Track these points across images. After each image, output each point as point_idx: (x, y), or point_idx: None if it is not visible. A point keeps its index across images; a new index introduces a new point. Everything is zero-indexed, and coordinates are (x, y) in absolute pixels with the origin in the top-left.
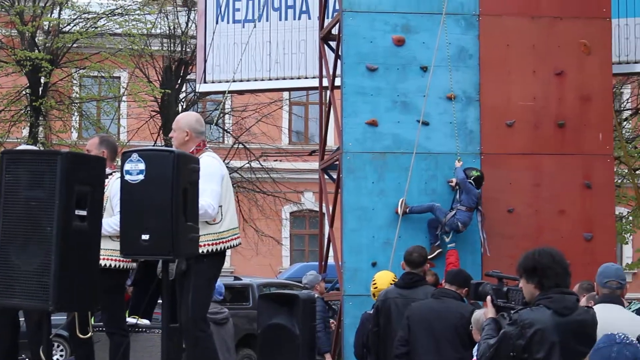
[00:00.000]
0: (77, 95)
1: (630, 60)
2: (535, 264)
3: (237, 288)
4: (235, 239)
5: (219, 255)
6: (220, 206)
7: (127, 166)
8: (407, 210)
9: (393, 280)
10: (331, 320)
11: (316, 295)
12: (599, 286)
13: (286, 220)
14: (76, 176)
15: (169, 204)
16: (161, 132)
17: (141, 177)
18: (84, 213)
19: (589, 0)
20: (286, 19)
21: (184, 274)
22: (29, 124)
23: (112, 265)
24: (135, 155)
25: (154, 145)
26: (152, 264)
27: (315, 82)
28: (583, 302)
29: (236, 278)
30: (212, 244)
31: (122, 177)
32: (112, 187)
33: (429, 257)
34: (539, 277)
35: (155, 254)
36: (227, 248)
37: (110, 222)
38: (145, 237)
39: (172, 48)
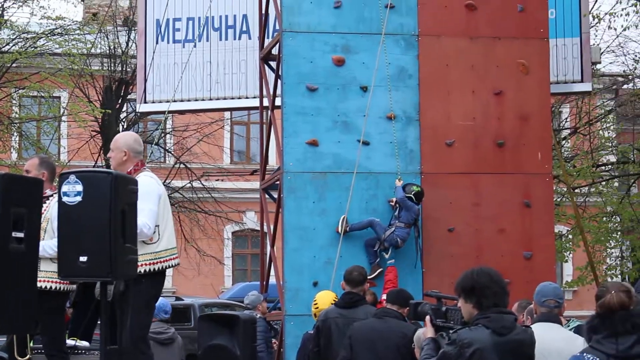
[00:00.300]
0: (17, 115)
1: (568, 80)
2: (473, 284)
3: (178, 308)
4: (173, 258)
5: (158, 275)
6: (157, 226)
7: (64, 188)
8: (348, 228)
9: (334, 300)
10: (273, 340)
11: (258, 315)
12: (537, 305)
13: (228, 239)
14: (13, 198)
15: (107, 226)
16: (102, 152)
17: (79, 198)
18: (21, 235)
19: (527, 21)
20: (226, 38)
21: (122, 295)
22: None
23: (52, 288)
24: (72, 177)
25: (94, 166)
26: (91, 286)
27: (256, 102)
28: (522, 317)
29: (178, 298)
30: (150, 264)
31: (59, 198)
32: (53, 209)
33: (369, 276)
34: (477, 297)
35: (93, 276)
36: (166, 268)
37: (51, 244)
38: (83, 259)
39: (112, 68)
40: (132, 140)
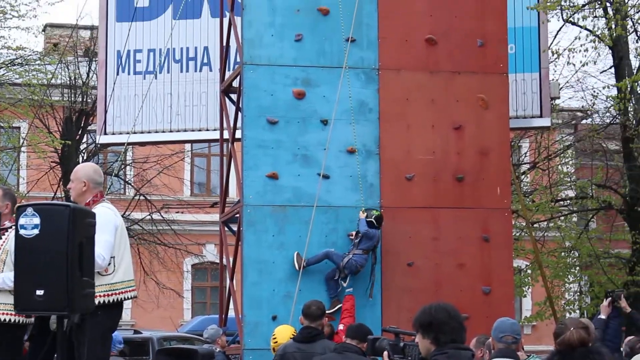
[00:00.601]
0: None
1: (527, 115)
2: (431, 320)
3: (136, 341)
4: (130, 290)
5: (114, 307)
6: (113, 257)
7: (22, 220)
8: (304, 263)
9: (293, 335)
10: None
11: (217, 349)
12: (494, 341)
13: (187, 272)
14: None
15: (64, 259)
16: (61, 183)
17: (36, 231)
18: None
19: (487, 56)
20: (187, 70)
21: (78, 327)
22: None
23: (11, 320)
24: (30, 210)
25: (53, 197)
26: (49, 319)
27: (216, 134)
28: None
29: (136, 331)
30: (104, 295)
31: (16, 231)
32: (12, 241)
33: (329, 311)
34: (435, 333)
35: (50, 310)
36: (122, 300)
37: (10, 276)
38: (39, 292)
39: (72, 98)
40: (92, 171)
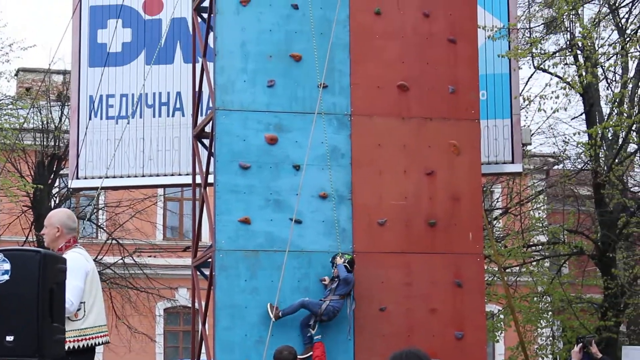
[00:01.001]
0: None
1: (499, 161)
2: None
3: None
4: (101, 336)
5: (85, 353)
6: (83, 302)
7: None
8: (280, 313)
9: None
10: None
11: None
12: None
13: (160, 316)
14: None
15: (34, 305)
16: (33, 227)
17: (6, 277)
18: None
19: (458, 102)
20: (160, 115)
21: None
22: None
23: None
24: (0, 256)
25: (25, 241)
26: None
27: (189, 179)
28: None
29: None
30: (74, 341)
31: None
32: None
33: (302, 356)
34: None
35: (19, 356)
36: (93, 345)
37: None
38: (9, 338)
39: (45, 143)
40: (65, 217)
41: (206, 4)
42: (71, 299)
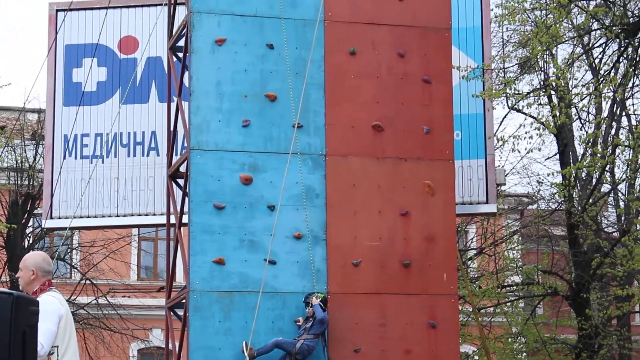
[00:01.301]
0: None
1: (473, 201)
2: None
3: None
4: None
5: None
6: (57, 346)
7: None
8: (255, 353)
9: None
10: None
11: None
12: None
13: (133, 357)
14: None
15: (6, 348)
16: (6, 267)
17: None
18: None
19: (433, 143)
20: (134, 155)
21: None
22: None
23: None
24: None
25: None
26: None
27: (163, 219)
28: None
29: None
30: None
31: None
32: None
33: None
34: None
35: None
36: None
37: None
38: None
39: (19, 182)
40: (40, 260)
41: (181, 43)
42: (42, 343)
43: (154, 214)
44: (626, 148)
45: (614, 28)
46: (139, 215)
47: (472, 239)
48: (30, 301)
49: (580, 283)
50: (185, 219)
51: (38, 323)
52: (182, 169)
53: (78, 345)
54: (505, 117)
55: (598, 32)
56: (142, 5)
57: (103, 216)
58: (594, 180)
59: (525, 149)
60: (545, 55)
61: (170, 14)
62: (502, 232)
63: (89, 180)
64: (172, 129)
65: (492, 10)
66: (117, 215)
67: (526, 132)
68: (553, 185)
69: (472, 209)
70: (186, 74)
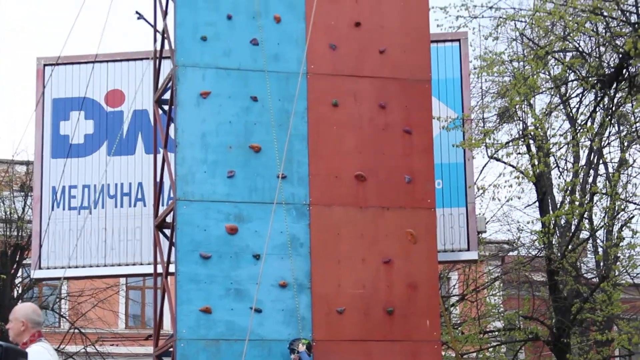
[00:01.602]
0: None
1: (455, 249)
2: None
3: None
4: None
5: None
6: None
7: None
8: None
9: None
10: None
11: None
12: None
13: None
14: None
15: None
16: None
17: None
18: None
19: (414, 192)
20: (122, 206)
21: None
22: None
23: None
24: None
25: None
26: None
27: (150, 269)
28: None
29: None
30: None
31: None
32: None
33: None
34: None
35: None
36: None
37: None
38: None
39: (8, 233)
40: (30, 311)
41: (167, 96)
42: None
43: (142, 264)
44: (604, 196)
45: (590, 79)
46: (127, 265)
47: (454, 285)
48: (19, 353)
49: (560, 328)
50: (172, 269)
51: None
52: (169, 219)
53: None
54: (485, 166)
55: (575, 82)
56: (128, 60)
57: (91, 266)
58: (573, 227)
59: (505, 197)
60: (523, 106)
61: (155, 67)
62: (483, 278)
63: (81, 231)
64: (158, 180)
65: (471, 62)
66: (105, 265)
67: (506, 181)
68: (533, 233)
69: (453, 256)
70: (172, 126)
